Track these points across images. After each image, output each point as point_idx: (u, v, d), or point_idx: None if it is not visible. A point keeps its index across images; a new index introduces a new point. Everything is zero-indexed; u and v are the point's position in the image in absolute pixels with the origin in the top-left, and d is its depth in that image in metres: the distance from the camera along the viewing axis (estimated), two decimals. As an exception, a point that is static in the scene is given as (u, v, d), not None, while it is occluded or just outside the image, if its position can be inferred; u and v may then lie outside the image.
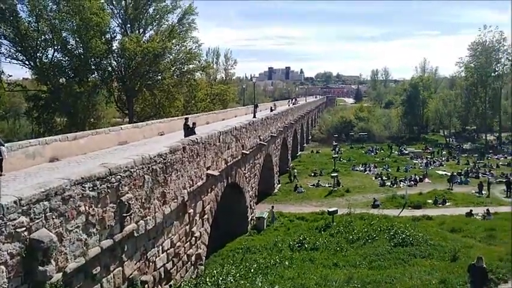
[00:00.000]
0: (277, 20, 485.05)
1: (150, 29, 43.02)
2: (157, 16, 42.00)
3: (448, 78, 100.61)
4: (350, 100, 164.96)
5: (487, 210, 27.02)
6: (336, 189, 36.10)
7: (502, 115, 67.80)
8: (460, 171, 42.30)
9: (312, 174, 43.94)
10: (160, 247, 11.49)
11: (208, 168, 15.46)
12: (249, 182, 24.13)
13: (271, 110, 37.92)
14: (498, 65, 65.44)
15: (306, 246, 19.98)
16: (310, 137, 76.12)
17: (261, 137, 27.08)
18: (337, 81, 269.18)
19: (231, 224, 22.62)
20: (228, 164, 18.59)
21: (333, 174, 38.66)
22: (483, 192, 33.90)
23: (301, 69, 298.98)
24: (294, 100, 65.14)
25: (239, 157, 20.75)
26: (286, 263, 17.26)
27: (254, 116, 27.50)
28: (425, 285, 13.55)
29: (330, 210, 25.27)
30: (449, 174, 40.73)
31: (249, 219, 24.44)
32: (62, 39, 35.12)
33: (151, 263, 10.85)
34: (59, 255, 6.84)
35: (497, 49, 64.56)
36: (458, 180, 38.50)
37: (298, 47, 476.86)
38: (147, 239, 10.57)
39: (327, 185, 38.16)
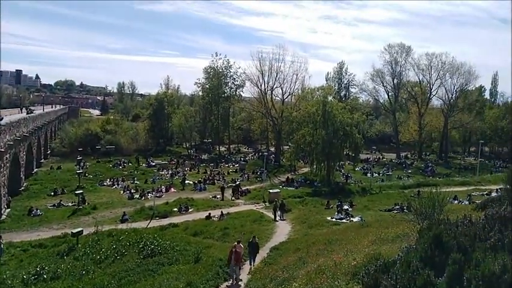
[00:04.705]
0: (6, 13, 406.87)
1: None
2: None
3: (189, 96, 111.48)
4: (96, 111, 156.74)
5: (222, 212, 31.35)
6: (81, 207, 33.45)
7: (231, 130, 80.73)
8: (200, 179, 47.35)
9: (52, 193, 39.11)
10: None
11: None
12: (-39, 210, 19.01)
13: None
14: (226, 88, 77.70)
15: (45, 276, 17.56)
16: (49, 152, 67.41)
17: (-19, 153, 21.96)
18: (81, 90, 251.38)
19: None
20: None
21: (77, 192, 35.64)
22: (219, 196, 39.13)
23: (37, 75, 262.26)
24: (28, 109, 56.19)
25: None
26: (19, 302, 14.57)
27: (-30, 127, 21.98)
28: (173, 291, 14.35)
29: (74, 231, 23.14)
30: (191, 182, 45.05)
31: (-37, 257, 19.23)
32: None
33: None
34: None
35: (226, 74, 76.72)
36: (199, 187, 43.05)
37: (34, 48, 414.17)
38: None
39: (70, 204, 34.81)
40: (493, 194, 33.65)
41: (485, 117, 79.12)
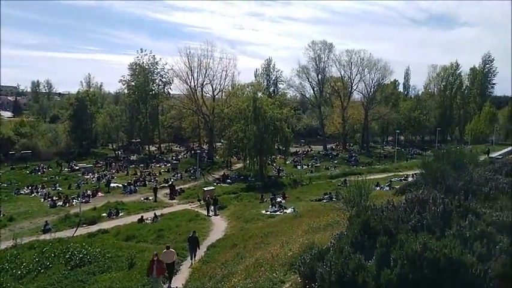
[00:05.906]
0: None
1: None
2: None
3: (113, 94, 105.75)
4: (7, 113, 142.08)
5: (155, 214, 30.42)
6: (-6, 220, 30.27)
7: (161, 128, 78.43)
8: (129, 181, 45.37)
9: (-42, 206, 34.79)
10: None
11: None
12: None
13: None
14: (154, 85, 75.06)
15: (-45, 301, 15.61)
16: (-49, 160, 59.82)
17: None
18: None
19: None
20: None
21: (-11, 203, 32.21)
22: (151, 197, 37.88)
23: None
24: None
25: None
26: None
27: None
28: (106, 300, 13.62)
29: (-12, 247, 20.89)
30: (120, 185, 43.06)
31: None
32: None
33: None
34: None
35: (152, 71, 74.07)
36: (128, 190, 41.25)
37: None
38: None
39: (-19, 217, 31.28)
40: (410, 179, 36.94)
41: (400, 108, 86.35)
